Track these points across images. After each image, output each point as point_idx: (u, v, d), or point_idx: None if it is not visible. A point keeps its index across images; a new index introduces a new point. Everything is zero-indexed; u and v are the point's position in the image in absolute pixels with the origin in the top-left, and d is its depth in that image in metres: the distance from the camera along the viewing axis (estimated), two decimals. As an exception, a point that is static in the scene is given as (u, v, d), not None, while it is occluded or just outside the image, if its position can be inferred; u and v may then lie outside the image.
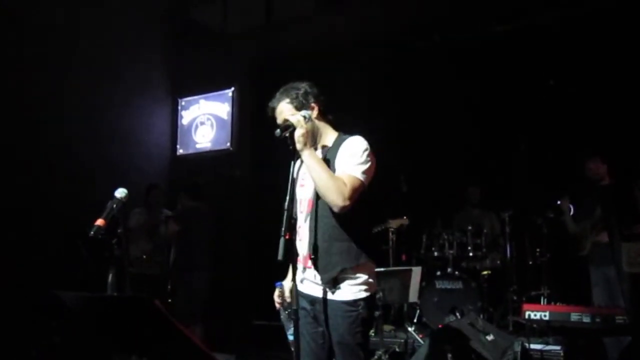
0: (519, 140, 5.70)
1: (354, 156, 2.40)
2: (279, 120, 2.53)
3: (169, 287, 5.42)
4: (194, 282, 5.27)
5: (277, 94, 2.57)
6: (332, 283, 2.38)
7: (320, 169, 2.35)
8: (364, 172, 2.38)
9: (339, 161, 2.42)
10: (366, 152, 2.41)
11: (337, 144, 2.49)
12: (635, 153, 4.96)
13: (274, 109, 2.57)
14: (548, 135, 5.88)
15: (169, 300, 5.30)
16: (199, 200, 5.55)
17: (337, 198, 2.30)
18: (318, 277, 2.41)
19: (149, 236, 5.45)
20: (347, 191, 2.31)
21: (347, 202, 2.30)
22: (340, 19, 6.24)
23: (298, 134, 2.35)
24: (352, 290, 2.38)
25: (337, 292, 2.38)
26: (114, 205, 2.52)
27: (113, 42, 6.27)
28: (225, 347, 5.11)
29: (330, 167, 2.42)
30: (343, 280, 2.39)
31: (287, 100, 2.53)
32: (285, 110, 2.52)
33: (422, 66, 6.22)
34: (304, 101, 2.52)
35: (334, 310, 2.37)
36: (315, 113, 2.51)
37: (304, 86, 2.55)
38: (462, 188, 6.38)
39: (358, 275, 2.40)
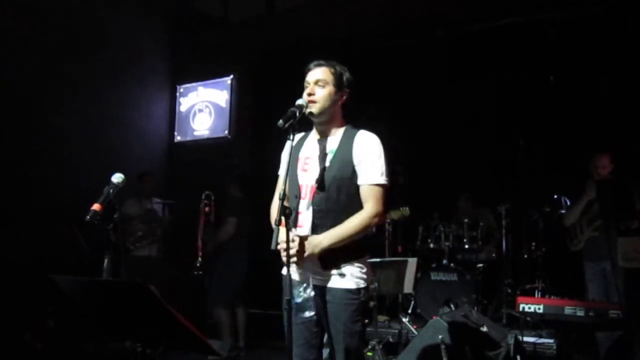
0: (517, 134, 5.70)
1: (376, 161, 2.43)
2: (311, 79, 2.49)
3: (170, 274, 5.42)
4: (232, 268, 5.21)
5: (322, 61, 2.54)
6: (337, 273, 2.40)
7: (346, 236, 2.36)
8: (386, 175, 2.45)
9: (360, 161, 2.42)
10: (383, 154, 2.46)
11: (349, 136, 2.49)
12: (632, 149, 4.96)
13: (309, 70, 2.52)
14: (546, 130, 5.89)
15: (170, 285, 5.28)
16: (245, 192, 5.51)
17: (372, 225, 2.41)
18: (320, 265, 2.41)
19: (143, 224, 5.48)
20: (377, 208, 2.39)
21: (381, 215, 2.42)
22: (342, 9, 6.20)
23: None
24: (355, 279, 2.40)
25: (341, 280, 2.39)
26: (111, 191, 2.49)
27: (114, 28, 6.23)
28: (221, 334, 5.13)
29: (337, 157, 2.43)
30: (346, 269, 2.40)
31: (332, 70, 2.51)
32: (323, 76, 2.48)
33: (422, 59, 6.19)
34: (342, 81, 2.52)
35: (337, 298, 2.38)
36: (341, 100, 2.53)
37: (346, 70, 2.56)
38: (460, 180, 6.38)
39: (359, 265, 2.43)
